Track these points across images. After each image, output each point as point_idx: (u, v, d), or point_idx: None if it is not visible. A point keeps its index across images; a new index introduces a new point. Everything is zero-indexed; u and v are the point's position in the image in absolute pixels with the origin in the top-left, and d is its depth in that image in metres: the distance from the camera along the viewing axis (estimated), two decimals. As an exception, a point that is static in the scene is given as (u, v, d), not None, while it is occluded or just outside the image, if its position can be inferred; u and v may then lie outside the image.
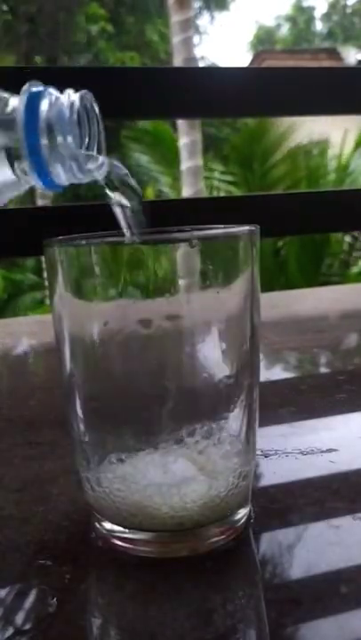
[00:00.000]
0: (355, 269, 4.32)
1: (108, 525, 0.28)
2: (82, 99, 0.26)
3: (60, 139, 0.25)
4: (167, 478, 0.27)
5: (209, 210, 0.90)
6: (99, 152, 0.28)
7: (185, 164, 4.33)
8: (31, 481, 0.36)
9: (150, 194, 4.79)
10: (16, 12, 8.60)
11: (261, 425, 0.30)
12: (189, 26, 4.52)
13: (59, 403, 0.29)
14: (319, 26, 15.87)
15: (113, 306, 0.26)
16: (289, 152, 4.59)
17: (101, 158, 0.27)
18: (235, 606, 0.24)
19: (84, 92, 0.27)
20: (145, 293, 0.26)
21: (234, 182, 4.78)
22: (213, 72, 1.05)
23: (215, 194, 4.56)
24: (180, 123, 4.19)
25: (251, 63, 9.30)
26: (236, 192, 4.64)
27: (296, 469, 0.35)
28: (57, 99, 0.26)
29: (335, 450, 0.37)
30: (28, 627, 0.24)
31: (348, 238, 4.27)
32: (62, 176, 0.26)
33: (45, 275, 2.65)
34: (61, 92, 0.26)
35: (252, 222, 0.28)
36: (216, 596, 0.24)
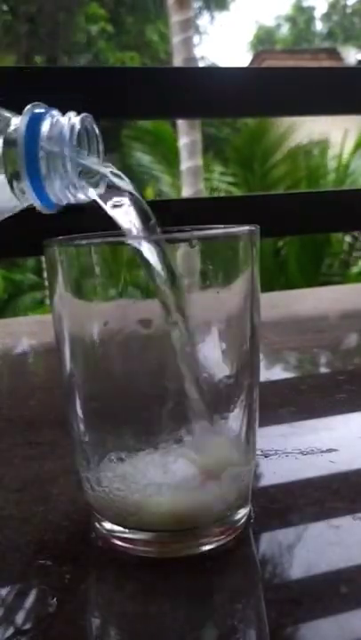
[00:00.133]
0: (355, 269, 4.32)
1: (108, 525, 0.28)
2: (82, 121, 0.26)
3: (59, 160, 0.26)
4: (167, 478, 0.27)
5: (209, 210, 0.90)
6: (98, 174, 0.28)
7: (185, 164, 4.33)
8: (31, 481, 0.36)
9: (150, 194, 4.79)
10: (16, 12, 8.61)
11: (261, 425, 0.30)
12: (189, 26, 4.52)
13: (59, 403, 0.29)
14: (319, 26, 15.89)
15: (113, 306, 0.26)
16: (289, 152, 4.60)
17: (100, 178, 0.28)
18: (235, 606, 0.24)
19: (84, 114, 0.27)
20: (145, 293, 0.26)
21: (234, 183, 4.78)
22: (213, 72, 1.05)
23: (216, 194, 4.57)
24: (180, 123, 4.19)
25: (251, 63, 9.32)
26: (237, 192, 4.65)
27: (296, 469, 0.35)
28: (58, 121, 0.26)
29: (335, 450, 0.37)
30: (28, 627, 0.24)
31: (348, 238, 4.28)
32: (60, 195, 0.27)
33: (45, 275, 2.65)
34: (63, 114, 0.27)
35: (252, 222, 0.28)
36: (216, 596, 0.24)
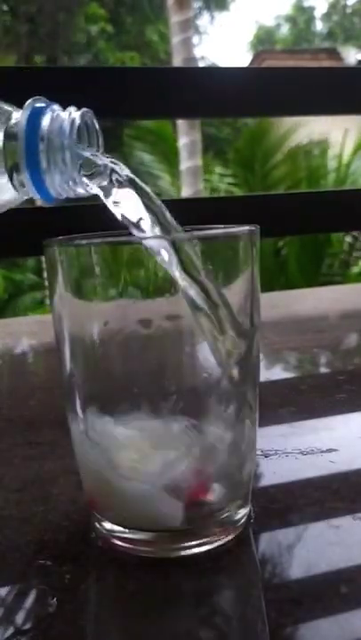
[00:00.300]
0: (355, 269, 4.32)
1: (108, 525, 0.28)
2: (83, 116, 0.27)
3: (59, 153, 0.26)
4: (165, 479, 0.27)
5: (209, 210, 0.90)
6: (98, 168, 0.28)
7: (184, 164, 4.33)
8: (31, 481, 0.36)
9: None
10: (16, 12, 8.61)
11: (261, 425, 0.30)
12: (189, 26, 4.53)
13: (59, 403, 0.29)
14: (319, 26, 15.89)
15: (113, 306, 0.26)
16: (289, 152, 4.60)
17: (100, 172, 0.28)
18: (235, 606, 0.24)
19: (85, 109, 0.27)
20: (145, 293, 0.26)
21: (235, 184, 4.78)
22: (213, 72, 1.05)
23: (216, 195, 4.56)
24: (180, 123, 4.20)
25: (251, 63, 9.32)
26: (237, 193, 4.65)
27: (296, 469, 0.35)
28: (58, 115, 0.26)
29: (335, 450, 0.37)
30: (28, 627, 0.24)
31: (348, 238, 4.28)
32: (59, 189, 0.27)
33: (45, 275, 2.65)
34: (64, 109, 0.27)
35: (252, 222, 0.28)
36: (216, 596, 0.24)
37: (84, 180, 0.27)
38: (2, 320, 2.41)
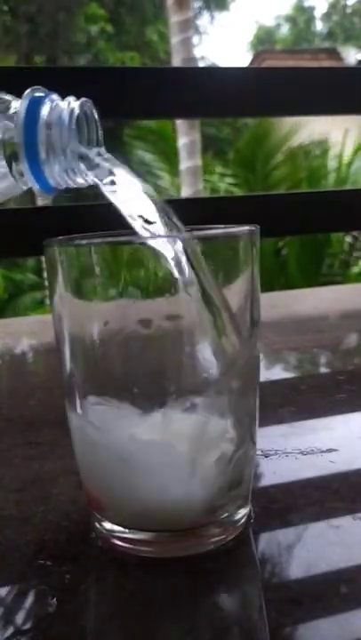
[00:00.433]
0: (355, 269, 4.32)
1: (108, 525, 0.28)
2: (82, 106, 0.27)
3: (58, 143, 0.26)
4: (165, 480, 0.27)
5: (209, 210, 0.90)
6: (97, 158, 0.28)
7: (184, 164, 4.33)
8: (31, 481, 0.36)
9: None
10: (16, 12, 8.61)
11: (261, 425, 0.30)
12: (188, 26, 4.52)
13: (59, 403, 0.29)
14: (319, 26, 15.89)
15: (113, 306, 0.26)
16: (290, 153, 4.60)
17: (99, 163, 0.28)
18: (235, 606, 0.24)
19: (84, 99, 0.27)
20: (145, 293, 0.26)
21: (235, 184, 4.78)
22: (213, 72, 1.05)
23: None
24: (179, 123, 4.20)
25: (251, 63, 9.31)
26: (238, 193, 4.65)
27: (296, 469, 0.35)
28: (57, 105, 0.26)
29: (335, 450, 0.37)
30: (27, 626, 0.24)
31: (348, 238, 4.28)
32: (58, 179, 0.27)
33: (45, 275, 2.65)
34: (63, 98, 0.27)
35: (252, 222, 0.28)
36: (216, 596, 0.24)
37: (83, 169, 0.27)
38: (2, 320, 2.41)
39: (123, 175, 0.27)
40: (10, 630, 0.23)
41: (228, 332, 0.26)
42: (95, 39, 9.15)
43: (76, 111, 0.26)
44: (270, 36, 16.06)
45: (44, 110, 0.26)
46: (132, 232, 0.28)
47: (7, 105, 0.27)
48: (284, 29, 16.22)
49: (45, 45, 8.85)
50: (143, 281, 0.25)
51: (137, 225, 0.27)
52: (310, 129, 4.58)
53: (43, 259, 0.30)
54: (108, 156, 0.28)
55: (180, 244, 0.25)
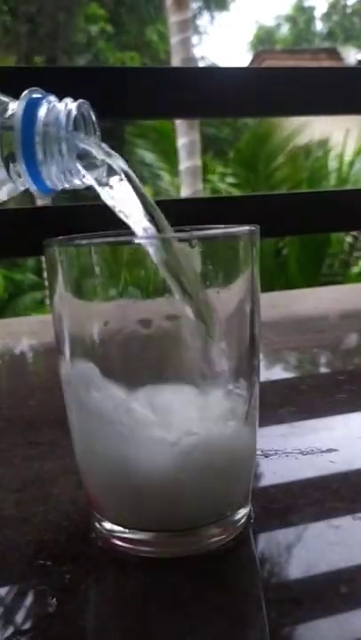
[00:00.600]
0: (355, 269, 4.32)
1: (108, 525, 0.28)
2: (79, 107, 0.27)
3: (55, 144, 0.26)
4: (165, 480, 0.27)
5: (209, 210, 0.90)
6: (94, 159, 0.28)
7: (183, 164, 4.33)
8: (31, 481, 0.36)
9: (149, 192, 4.80)
10: (16, 13, 8.60)
11: (261, 425, 0.30)
12: (187, 26, 4.52)
13: (59, 403, 0.29)
14: (319, 26, 15.89)
15: (113, 306, 0.26)
16: (291, 153, 4.60)
17: (98, 163, 0.28)
18: (235, 606, 0.24)
19: (81, 101, 0.27)
20: (145, 293, 0.26)
21: (237, 184, 4.78)
22: (213, 72, 1.05)
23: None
24: (179, 123, 4.20)
25: (251, 63, 9.32)
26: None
27: (296, 469, 0.35)
28: (54, 106, 0.26)
29: (335, 450, 0.37)
30: (27, 626, 0.24)
31: (348, 238, 4.27)
32: (56, 180, 0.27)
33: (45, 275, 2.65)
34: (61, 99, 0.27)
35: (252, 222, 0.28)
36: (216, 596, 0.24)
37: (81, 170, 0.27)
38: (2, 320, 2.41)
39: (120, 176, 0.27)
40: (10, 630, 0.23)
41: (213, 333, 0.26)
42: (95, 39, 9.16)
43: (74, 112, 0.26)
44: (270, 36, 16.06)
45: (42, 112, 0.26)
46: (132, 232, 0.28)
47: (5, 106, 0.27)
48: (284, 29, 16.23)
49: (45, 45, 8.85)
50: (143, 281, 0.25)
51: (134, 225, 0.27)
52: (311, 129, 4.58)
53: (43, 259, 0.30)
54: (107, 148, 0.28)
55: (158, 245, 0.25)
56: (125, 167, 0.28)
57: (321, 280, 4.03)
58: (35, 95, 0.26)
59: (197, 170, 4.37)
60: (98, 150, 0.27)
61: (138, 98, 0.82)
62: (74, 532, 0.30)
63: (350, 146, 4.35)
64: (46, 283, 3.23)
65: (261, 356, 0.55)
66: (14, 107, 0.26)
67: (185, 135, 4.25)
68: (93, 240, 0.25)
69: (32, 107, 0.26)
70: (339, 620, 0.23)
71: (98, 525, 0.29)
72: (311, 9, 15.88)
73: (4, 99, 0.27)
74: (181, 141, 4.30)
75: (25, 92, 0.26)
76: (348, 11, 14.69)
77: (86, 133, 0.28)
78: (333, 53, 9.01)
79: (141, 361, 0.27)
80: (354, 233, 4.07)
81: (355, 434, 0.41)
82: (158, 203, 0.29)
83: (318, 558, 0.26)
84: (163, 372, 0.27)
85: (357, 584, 0.25)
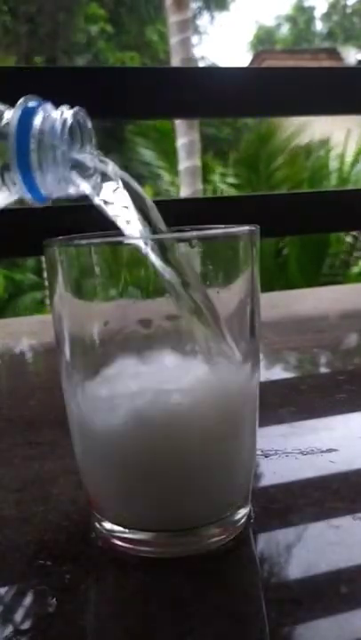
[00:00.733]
0: (355, 269, 4.32)
1: (108, 525, 0.28)
2: (75, 115, 0.27)
3: (50, 153, 0.26)
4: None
5: (209, 210, 0.90)
6: (90, 168, 0.28)
7: (183, 164, 4.33)
8: (31, 481, 0.36)
9: (149, 192, 4.80)
10: (16, 13, 8.61)
11: (261, 425, 0.30)
12: (187, 26, 4.52)
13: (59, 403, 0.29)
14: (319, 26, 15.90)
15: (113, 306, 0.26)
16: (292, 153, 4.59)
17: (93, 171, 0.28)
18: (235, 606, 0.24)
19: (77, 108, 0.27)
20: (145, 293, 0.26)
21: (238, 184, 4.78)
22: (213, 72, 1.05)
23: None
24: (178, 123, 4.19)
25: (251, 63, 9.31)
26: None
27: (296, 469, 0.35)
28: (50, 115, 0.26)
29: (335, 450, 0.37)
30: (27, 626, 0.24)
31: (348, 238, 4.27)
32: (51, 189, 0.27)
33: (45, 275, 2.64)
34: (57, 106, 0.27)
35: (252, 222, 0.28)
36: (216, 596, 0.24)
37: (76, 179, 0.27)
38: (2, 320, 2.41)
39: (116, 184, 0.27)
40: (9, 630, 0.23)
41: (213, 331, 0.26)
42: (95, 39, 9.16)
43: (69, 121, 0.26)
44: (270, 36, 16.06)
45: (37, 120, 0.26)
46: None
47: (0, 115, 0.27)
48: (284, 29, 16.24)
49: (45, 45, 8.85)
50: (143, 281, 0.25)
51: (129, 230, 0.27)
52: (312, 129, 4.58)
53: (43, 259, 0.30)
54: (102, 157, 0.28)
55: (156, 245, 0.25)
56: (121, 174, 0.28)
57: (321, 280, 4.03)
58: (30, 104, 0.26)
59: (197, 170, 4.37)
60: (93, 159, 0.27)
61: (138, 98, 0.82)
62: (74, 532, 0.30)
63: (351, 146, 4.35)
64: (46, 283, 3.23)
65: (261, 355, 0.55)
66: (9, 115, 0.26)
67: (184, 135, 4.25)
68: (93, 240, 0.25)
69: (27, 115, 0.26)
70: (339, 620, 0.23)
71: (98, 525, 0.29)
72: (311, 9, 15.88)
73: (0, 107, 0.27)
74: (181, 141, 4.30)
75: (21, 100, 0.26)
76: (348, 11, 14.69)
77: (82, 141, 0.28)
78: (333, 53, 9.01)
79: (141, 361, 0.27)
80: (354, 233, 4.07)
81: (355, 434, 0.41)
82: (158, 203, 0.29)
83: (318, 558, 0.26)
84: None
85: (357, 584, 0.25)
